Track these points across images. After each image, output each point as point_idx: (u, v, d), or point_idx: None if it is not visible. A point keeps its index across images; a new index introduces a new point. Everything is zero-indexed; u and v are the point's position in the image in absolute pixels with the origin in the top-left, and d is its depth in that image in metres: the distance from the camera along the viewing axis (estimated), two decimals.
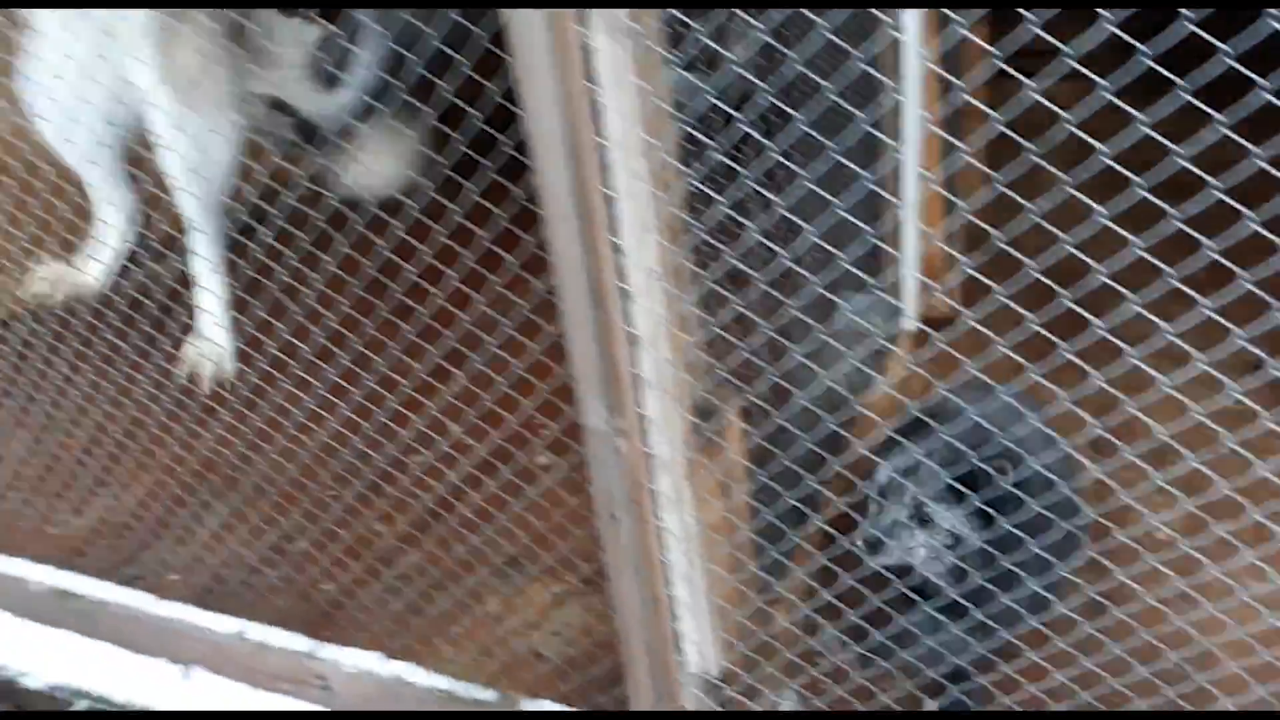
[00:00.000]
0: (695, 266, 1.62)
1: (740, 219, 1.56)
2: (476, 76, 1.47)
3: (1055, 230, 1.23)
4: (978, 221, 1.38)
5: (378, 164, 2.02)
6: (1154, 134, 1.10)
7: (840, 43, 1.37)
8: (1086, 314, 1.27)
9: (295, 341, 2.12)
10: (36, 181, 2.47)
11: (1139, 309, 1.24)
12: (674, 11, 1.49)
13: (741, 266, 1.56)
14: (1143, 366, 1.31)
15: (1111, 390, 1.33)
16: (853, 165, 1.39)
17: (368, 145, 2.02)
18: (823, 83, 1.35)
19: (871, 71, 1.43)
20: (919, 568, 1.83)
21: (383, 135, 2.03)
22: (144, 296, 2.20)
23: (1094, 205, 1.19)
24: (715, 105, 1.55)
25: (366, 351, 2.05)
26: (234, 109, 1.90)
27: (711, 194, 1.52)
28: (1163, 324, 1.25)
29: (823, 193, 1.43)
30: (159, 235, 2.08)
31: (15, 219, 2.69)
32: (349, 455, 2.35)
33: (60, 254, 2.61)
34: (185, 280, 2.16)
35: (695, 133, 1.53)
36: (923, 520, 1.80)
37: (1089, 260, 1.23)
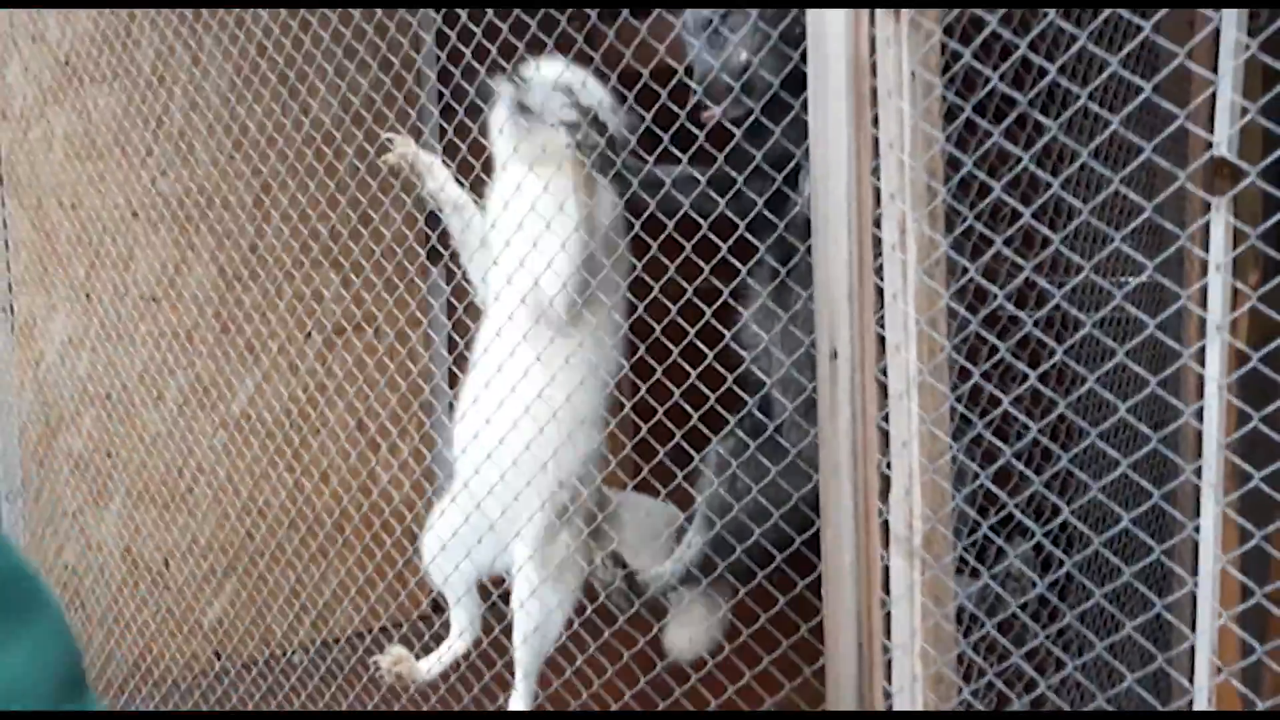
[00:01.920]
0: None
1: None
2: (788, 571, 1.78)
3: None
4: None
5: (689, 632, 2.37)
6: None
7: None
8: None
9: None
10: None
11: None
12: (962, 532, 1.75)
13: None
14: None
15: None
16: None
17: (685, 613, 2.38)
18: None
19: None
20: None
21: (699, 603, 2.38)
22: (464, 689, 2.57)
23: None
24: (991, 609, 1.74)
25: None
26: (578, 580, 2.35)
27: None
28: None
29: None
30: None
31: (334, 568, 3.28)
32: None
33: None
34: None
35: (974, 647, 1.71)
36: None
37: None
